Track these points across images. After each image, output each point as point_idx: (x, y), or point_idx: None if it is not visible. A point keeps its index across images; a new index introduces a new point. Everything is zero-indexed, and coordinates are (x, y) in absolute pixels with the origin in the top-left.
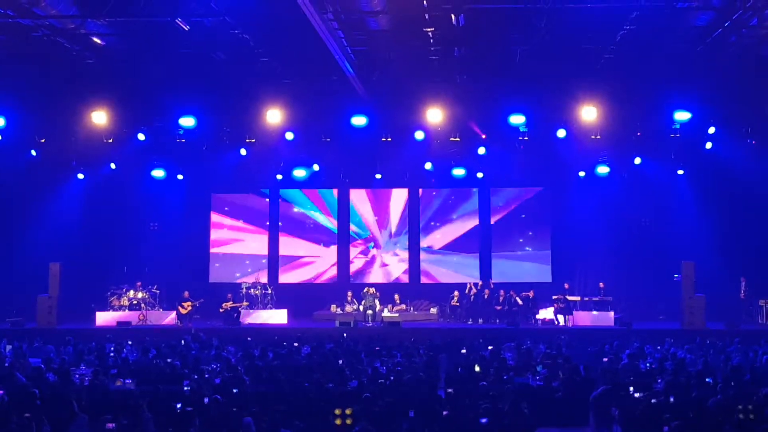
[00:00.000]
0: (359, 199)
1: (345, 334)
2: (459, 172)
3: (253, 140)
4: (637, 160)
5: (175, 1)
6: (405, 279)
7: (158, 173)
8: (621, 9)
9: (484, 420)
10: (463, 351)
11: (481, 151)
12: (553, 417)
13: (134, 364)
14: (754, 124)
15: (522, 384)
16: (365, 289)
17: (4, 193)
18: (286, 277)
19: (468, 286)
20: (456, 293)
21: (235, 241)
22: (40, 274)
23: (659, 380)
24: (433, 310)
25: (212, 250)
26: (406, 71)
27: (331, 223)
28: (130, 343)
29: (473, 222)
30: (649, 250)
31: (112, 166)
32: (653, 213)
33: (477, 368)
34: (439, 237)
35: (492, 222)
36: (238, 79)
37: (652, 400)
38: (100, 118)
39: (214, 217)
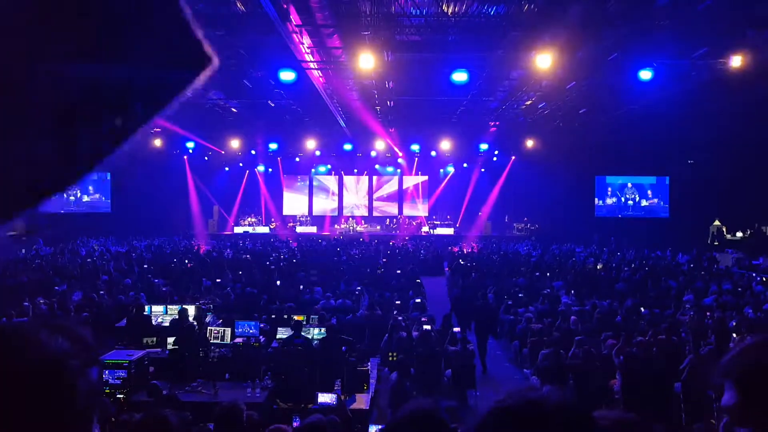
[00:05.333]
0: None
1: (341, 236)
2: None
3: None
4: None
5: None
6: (366, 213)
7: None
8: (455, 102)
9: (398, 271)
10: (392, 243)
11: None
12: (426, 270)
13: (250, 250)
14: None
15: (413, 255)
16: (349, 219)
17: None
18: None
19: (394, 219)
20: (388, 220)
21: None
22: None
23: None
24: (378, 227)
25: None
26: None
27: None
28: (248, 240)
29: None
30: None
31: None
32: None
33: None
34: (384, 195)
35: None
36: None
37: (461, 261)
38: (235, 143)
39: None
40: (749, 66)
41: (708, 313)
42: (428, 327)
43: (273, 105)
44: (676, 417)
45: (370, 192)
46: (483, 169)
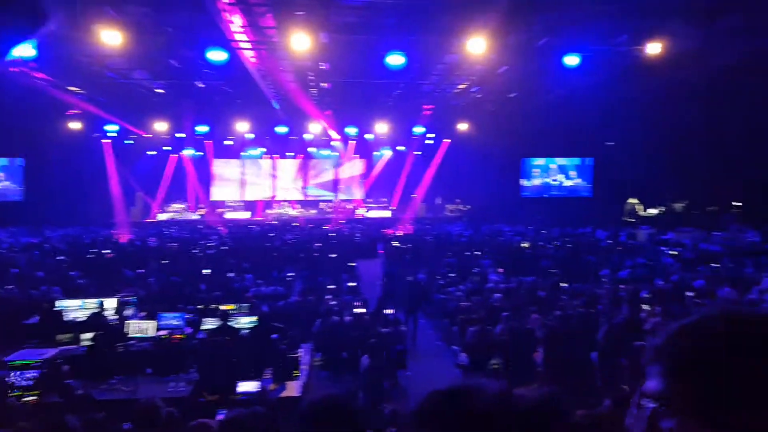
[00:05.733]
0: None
1: (275, 221)
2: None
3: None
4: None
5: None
6: (300, 197)
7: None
8: (391, 85)
9: (332, 255)
10: (327, 227)
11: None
12: (361, 254)
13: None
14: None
15: (348, 239)
16: (283, 203)
17: None
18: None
19: (329, 202)
20: (323, 204)
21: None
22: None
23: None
24: (313, 211)
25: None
26: None
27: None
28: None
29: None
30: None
31: None
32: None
33: (332, 236)
34: (319, 178)
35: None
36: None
37: (396, 243)
38: (160, 126)
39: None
40: (665, 53)
41: (622, 286)
42: (361, 310)
43: (202, 86)
44: (592, 385)
45: (305, 175)
46: (418, 152)
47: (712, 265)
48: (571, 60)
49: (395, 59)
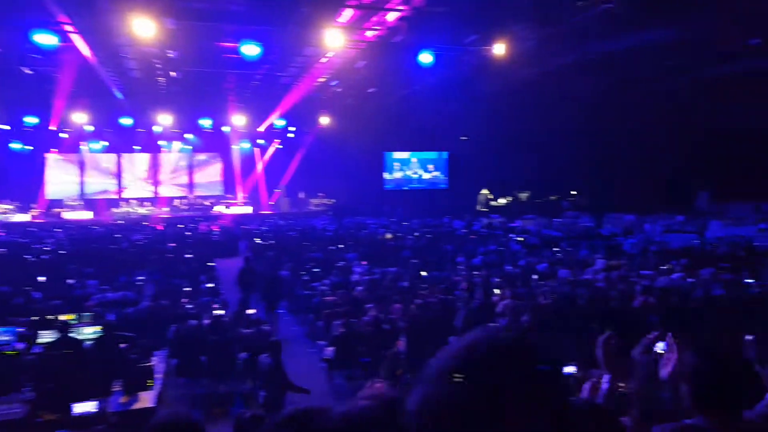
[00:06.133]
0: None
1: (121, 221)
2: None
3: None
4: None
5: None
6: (151, 194)
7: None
8: (248, 76)
9: (188, 255)
10: (181, 225)
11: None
12: (220, 252)
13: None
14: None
15: (206, 238)
16: (130, 201)
17: None
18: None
19: (184, 199)
20: (176, 201)
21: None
22: None
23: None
24: (166, 209)
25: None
26: None
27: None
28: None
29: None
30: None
31: None
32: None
33: (188, 235)
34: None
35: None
36: None
37: (259, 240)
38: None
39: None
40: (509, 53)
41: (476, 272)
42: (221, 312)
43: (30, 72)
44: None
45: (156, 171)
46: (280, 146)
47: (554, 249)
48: (426, 58)
49: (250, 49)
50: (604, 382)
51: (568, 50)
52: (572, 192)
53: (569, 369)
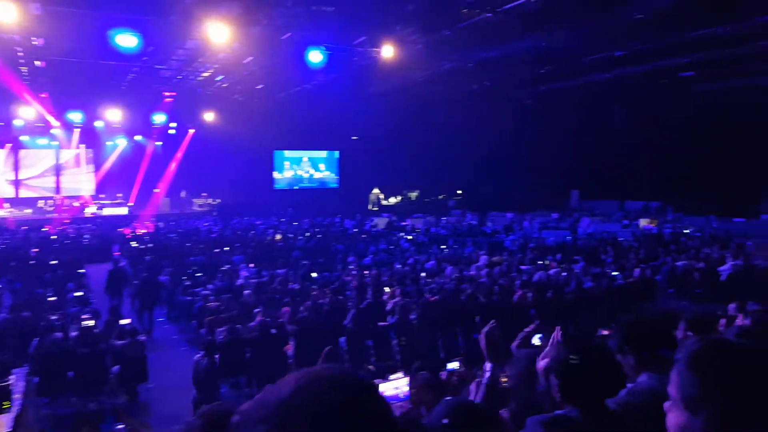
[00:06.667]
0: None
1: None
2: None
3: None
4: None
5: None
6: (11, 194)
7: None
8: (124, 68)
9: (54, 261)
10: (47, 228)
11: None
12: (91, 257)
13: None
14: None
15: (75, 242)
16: None
17: None
18: None
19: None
20: (41, 201)
21: None
22: None
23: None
24: (28, 210)
25: None
26: None
27: None
28: None
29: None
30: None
31: None
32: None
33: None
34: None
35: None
36: None
37: (135, 243)
38: None
39: None
40: (396, 56)
41: (366, 272)
42: (90, 323)
43: None
44: None
45: (17, 169)
46: (159, 142)
47: (441, 246)
48: (315, 56)
49: (126, 40)
50: (486, 370)
51: (453, 55)
52: (458, 191)
53: (453, 365)
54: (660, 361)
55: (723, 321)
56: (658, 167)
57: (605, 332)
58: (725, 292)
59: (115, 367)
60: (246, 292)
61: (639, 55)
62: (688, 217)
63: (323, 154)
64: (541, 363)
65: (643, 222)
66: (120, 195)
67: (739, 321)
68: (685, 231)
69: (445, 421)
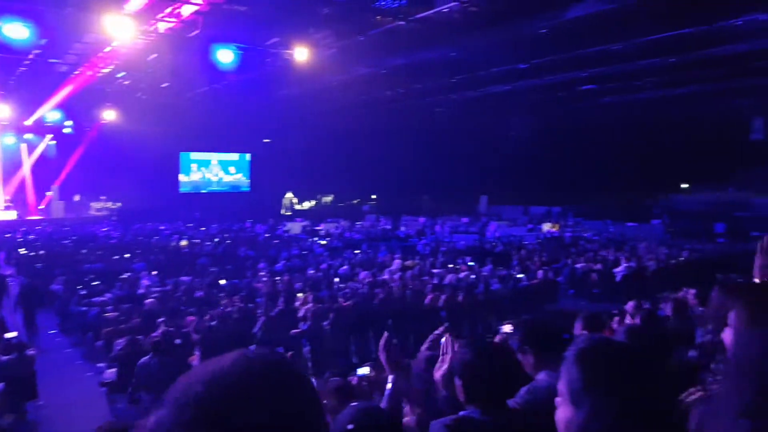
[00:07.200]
0: None
1: None
2: None
3: None
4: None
5: None
6: None
7: None
8: (9, 61)
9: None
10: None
11: None
12: None
13: None
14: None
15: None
16: None
17: None
18: None
19: None
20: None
21: None
22: None
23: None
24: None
25: None
26: None
27: None
28: None
29: None
30: None
31: None
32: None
33: None
34: None
35: None
36: None
37: (24, 250)
38: None
39: None
40: (312, 59)
41: (278, 278)
42: None
43: None
44: None
45: None
46: (53, 141)
47: (355, 251)
48: (225, 56)
49: (16, 30)
50: (389, 382)
51: (367, 61)
52: (372, 196)
53: (363, 370)
54: (558, 360)
55: (617, 319)
56: (559, 175)
57: (505, 328)
58: (620, 292)
59: (0, 384)
60: (148, 301)
61: (540, 68)
62: (587, 222)
63: (234, 156)
64: (438, 373)
65: (546, 226)
66: (8, 198)
67: (628, 320)
68: (584, 235)
69: (350, 426)
